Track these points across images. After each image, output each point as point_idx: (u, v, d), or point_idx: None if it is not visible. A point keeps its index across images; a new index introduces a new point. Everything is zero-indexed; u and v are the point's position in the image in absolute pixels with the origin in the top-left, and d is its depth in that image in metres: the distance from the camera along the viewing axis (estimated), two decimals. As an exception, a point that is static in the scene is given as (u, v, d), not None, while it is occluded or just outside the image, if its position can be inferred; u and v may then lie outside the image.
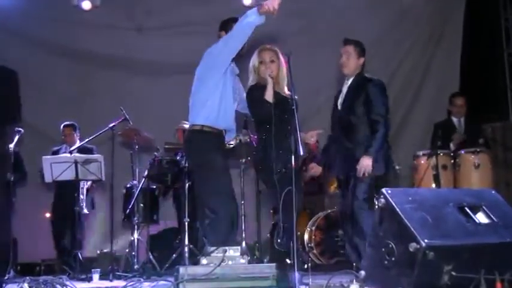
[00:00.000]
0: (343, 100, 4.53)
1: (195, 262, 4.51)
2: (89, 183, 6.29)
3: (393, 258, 2.92)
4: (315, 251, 5.99)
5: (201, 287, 3.30)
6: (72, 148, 6.22)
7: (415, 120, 7.66)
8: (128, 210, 5.87)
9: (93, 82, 7.67)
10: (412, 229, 2.84)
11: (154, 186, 6.27)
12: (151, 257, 5.75)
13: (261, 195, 5.98)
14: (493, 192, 3.46)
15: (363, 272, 3.09)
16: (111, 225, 5.80)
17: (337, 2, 7.56)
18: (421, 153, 5.80)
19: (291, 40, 6.71)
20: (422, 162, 5.72)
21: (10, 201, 6.10)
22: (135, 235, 5.73)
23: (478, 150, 5.72)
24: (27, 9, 7.30)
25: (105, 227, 5.99)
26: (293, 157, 3.73)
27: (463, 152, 5.70)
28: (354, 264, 4.30)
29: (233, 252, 3.55)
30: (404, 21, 7.75)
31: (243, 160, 5.73)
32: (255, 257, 5.84)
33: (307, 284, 3.55)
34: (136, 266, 5.55)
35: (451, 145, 5.85)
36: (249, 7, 7.25)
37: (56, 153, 6.46)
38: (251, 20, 3.94)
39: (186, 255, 5.39)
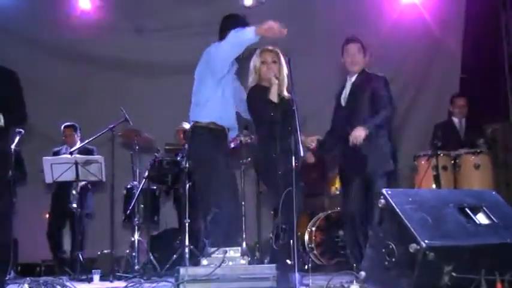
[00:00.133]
0: (348, 97, 4.52)
1: (195, 263, 4.51)
2: (83, 182, 6.26)
3: (393, 259, 2.92)
4: (315, 252, 5.99)
5: (201, 287, 3.30)
6: (72, 149, 6.23)
7: (416, 121, 7.65)
8: (128, 211, 5.88)
9: (94, 83, 7.68)
10: (412, 230, 2.84)
11: (155, 187, 6.27)
12: (151, 257, 5.76)
13: (261, 196, 5.99)
14: (494, 193, 3.46)
15: (363, 273, 3.09)
16: (111, 226, 5.80)
17: (337, 3, 7.56)
18: (421, 153, 5.80)
19: (290, 41, 6.69)
20: (422, 162, 5.72)
21: (11, 201, 6.11)
22: (136, 236, 5.73)
23: (478, 151, 5.73)
24: (29, 11, 7.31)
25: (105, 228, 5.98)
26: (293, 158, 3.73)
27: (463, 152, 5.70)
28: (354, 265, 4.30)
29: (233, 253, 3.55)
30: (404, 22, 7.74)
31: (244, 161, 5.74)
32: (256, 257, 5.84)
33: (307, 285, 3.55)
34: (136, 267, 5.56)
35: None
36: (249, 8, 7.33)
37: (56, 153, 6.48)
38: (247, 37, 3.96)
39: (187, 256, 5.38)
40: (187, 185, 5.59)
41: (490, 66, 7.61)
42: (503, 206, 3.32)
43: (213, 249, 3.57)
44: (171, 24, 7.66)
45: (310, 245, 6.04)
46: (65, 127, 6.62)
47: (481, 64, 7.53)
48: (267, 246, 6.07)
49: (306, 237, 6.08)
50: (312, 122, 5.88)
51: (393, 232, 2.97)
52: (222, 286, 3.31)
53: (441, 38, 7.77)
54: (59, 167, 5.72)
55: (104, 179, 5.85)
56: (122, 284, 4.59)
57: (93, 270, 5.31)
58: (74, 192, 6.07)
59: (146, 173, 5.96)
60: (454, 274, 2.83)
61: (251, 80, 4.44)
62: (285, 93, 4.35)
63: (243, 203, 5.56)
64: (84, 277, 5.33)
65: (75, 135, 6.59)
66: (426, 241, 2.77)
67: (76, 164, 5.70)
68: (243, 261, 3.53)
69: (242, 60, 4.41)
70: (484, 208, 3.18)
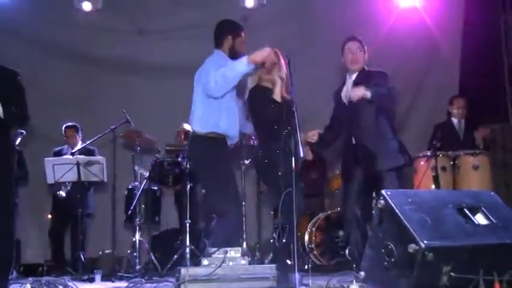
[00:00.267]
0: (349, 95, 4.52)
1: (196, 263, 4.52)
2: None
3: (393, 259, 2.92)
4: (315, 252, 5.99)
5: (202, 287, 3.31)
6: (74, 150, 6.24)
7: (415, 122, 7.65)
8: (129, 212, 5.88)
9: (95, 84, 7.68)
10: (412, 230, 2.84)
11: (156, 188, 6.28)
12: (152, 257, 5.76)
13: (261, 196, 6.00)
14: (492, 193, 3.47)
15: (362, 273, 3.10)
16: (112, 227, 5.82)
17: (337, 5, 7.56)
18: (420, 154, 5.80)
19: (289, 42, 6.70)
20: (421, 163, 5.71)
21: (13, 202, 6.11)
22: (137, 236, 5.74)
23: (477, 151, 5.73)
24: (31, 12, 7.31)
25: (107, 228, 5.99)
26: (293, 159, 3.74)
27: (462, 153, 5.70)
28: (354, 265, 4.30)
29: (234, 253, 3.56)
30: (404, 24, 7.75)
31: (244, 161, 5.74)
32: (256, 257, 5.85)
33: (307, 285, 3.56)
34: (138, 267, 5.56)
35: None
36: (251, 9, 7.34)
37: (57, 153, 6.47)
38: (241, 70, 3.97)
39: (188, 256, 5.40)
40: (188, 186, 5.60)
41: (489, 68, 7.61)
42: (501, 206, 3.32)
43: (213, 250, 3.57)
44: (172, 26, 7.66)
45: (310, 245, 6.04)
46: (66, 127, 6.61)
47: (480, 66, 7.53)
48: (267, 246, 6.09)
49: (306, 237, 6.08)
50: (311, 123, 5.86)
51: (392, 232, 2.97)
52: (223, 286, 3.32)
53: (440, 40, 7.78)
54: (60, 167, 5.73)
55: (105, 180, 5.85)
56: (124, 283, 4.60)
57: (95, 270, 5.32)
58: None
59: (147, 174, 5.96)
60: (452, 274, 2.83)
61: (251, 81, 4.44)
62: (285, 94, 4.35)
63: (243, 203, 5.57)
64: (86, 277, 5.34)
65: (77, 136, 6.59)
66: (425, 241, 2.77)
67: (78, 164, 5.70)
68: (243, 262, 3.54)
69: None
70: (483, 209, 3.18)
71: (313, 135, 4.50)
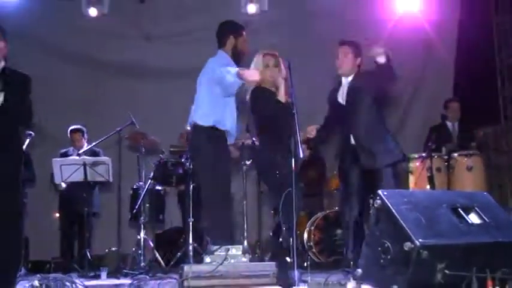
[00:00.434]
0: (346, 97, 4.51)
1: (199, 260, 4.52)
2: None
3: (389, 257, 2.92)
4: (314, 250, 5.99)
5: (205, 284, 3.31)
6: (81, 151, 6.25)
7: (411, 125, 7.65)
8: (134, 210, 5.89)
9: (102, 87, 7.69)
10: (407, 229, 2.85)
11: (160, 188, 6.28)
12: (157, 255, 5.77)
13: (262, 196, 6.00)
14: (485, 193, 3.47)
15: (359, 270, 3.10)
16: (118, 225, 5.82)
17: (333, 8, 7.54)
18: (416, 155, 5.80)
19: (288, 46, 6.70)
20: (417, 164, 5.72)
21: (22, 201, 6.12)
22: (142, 234, 5.74)
23: (471, 153, 5.73)
24: (40, 17, 7.32)
25: (112, 226, 6.00)
26: (293, 160, 3.74)
27: (456, 155, 5.70)
28: (351, 262, 4.31)
29: (235, 250, 3.57)
30: (399, 27, 7.73)
31: (246, 162, 5.74)
32: (256, 255, 5.85)
33: (306, 282, 3.56)
34: (142, 264, 5.56)
35: (443, 150, 5.85)
36: (252, 15, 7.34)
37: (63, 155, 6.46)
38: (232, 81, 3.98)
39: (191, 253, 5.39)
40: (191, 186, 5.60)
41: (483, 72, 7.61)
42: (494, 206, 3.33)
43: (215, 247, 3.57)
44: (177, 31, 7.67)
45: (309, 244, 6.04)
46: (72, 130, 6.60)
47: (474, 69, 7.53)
48: (268, 244, 6.10)
49: (305, 236, 6.08)
50: (305, 127, 5.88)
51: (389, 231, 2.97)
52: (225, 282, 3.33)
53: (435, 44, 7.77)
54: (68, 168, 5.73)
55: (111, 180, 5.85)
56: (128, 280, 4.60)
57: (100, 267, 5.32)
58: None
59: (152, 174, 5.97)
60: (446, 272, 2.83)
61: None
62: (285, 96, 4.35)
63: (244, 202, 5.58)
64: (92, 274, 5.34)
65: (82, 138, 6.59)
66: (420, 240, 2.78)
67: (84, 165, 5.71)
68: (244, 259, 3.55)
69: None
70: (476, 208, 3.18)
71: (312, 131, 4.52)
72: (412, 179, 5.72)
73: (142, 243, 5.68)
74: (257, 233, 6.23)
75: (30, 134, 5.59)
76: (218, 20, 4.56)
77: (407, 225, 2.87)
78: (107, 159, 5.87)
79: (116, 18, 7.54)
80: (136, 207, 5.84)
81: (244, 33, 4.40)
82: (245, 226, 5.61)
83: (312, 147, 5.72)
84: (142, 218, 5.80)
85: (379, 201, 3.07)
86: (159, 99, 7.56)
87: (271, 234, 6.09)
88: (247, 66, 4.40)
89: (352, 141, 4.45)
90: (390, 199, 3.03)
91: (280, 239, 4.20)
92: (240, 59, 4.37)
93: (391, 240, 2.93)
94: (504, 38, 7.72)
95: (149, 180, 5.91)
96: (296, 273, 3.53)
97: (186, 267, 3.39)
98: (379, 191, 3.11)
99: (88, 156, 6.00)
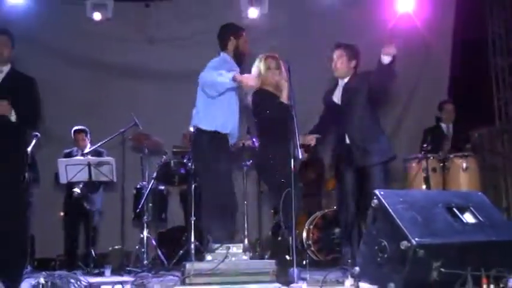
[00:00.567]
0: (343, 95, 4.53)
1: (200, 258, 4.51)
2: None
3: (386, 255, 2.92)
4: (312, 248, 5.99)
5: (206, 281, 3.31)
6: (85, 151, 6.25)
7: (407, 126, 7.64)
8: (138, 210, 5.88)
9: (106, 90, 7.68)
10: (404, 228, 2.85)
11: (163, 187, 6.28)
12: (159, 253, 5.77)
13: (262, 196, 6.00)
14: (480, 194, 3.47)
15: (357, 268, 3.10)
16: (122, 224, 5.82)
17: (332, 10, 7.53)
18: (412, 156, 5.80)
19: (288, 49, 6.70)
20: (413, 165, 5.72)
21: (28, 200, 6.12)
22: (145, 233, 5.74)
23: (466, 154, 5.73)
24: (46, 21, 7.31)
25: (116, 225, 6.00)
26: (292, 161, 3.74)
27: (452, 155, 5.70)
28: (349, 260, 4.31)
29: (236, 249, 3.56)
30: (396, 31, 7.72)
31: (246, 162, 5.74)
32: (257, 253, 5.85)
33: (305, 279, 3.55)
34: (145, 262, 5.56)
35: (441, 154, 5.84)
36: (253, 20, 7.33)
37: (67, 155, 6.45)
38: (226, 83, 3.99)
39: (192, 251, 5.39)
40: (193, 185, 5.60)
41: (477, 74, 7.61)
42: (489, 206, 3.33)
43: (216, 246, 3.57)
44: (179, 35, 7.67)
45: (307, 242, 6.03)
46: (75, 131, 6.60)
47: (469, 72, 7.52)
48: (268, 243, 6.09)
49: (304, 234, 6.07)
50: (305, 128, 5.87)
51: (386, 230, 2.97)
52: (225, 280, 3.32)
53: (431, 47, 7.76)
54: (72, 168, 5.73)
55: (115, 180, 5.85)
56: (132, 277, 4.59)
57: (105, 265, 5.32)
58: (76, 189, 6.05)
59: (155, 174, 5.97)
60: (442, 270, 2.83)
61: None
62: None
63: (245, 202, 5.57)
64: (96, 271, 5.33)
65: (86, 139, 6.59)
66: (416, 239, 2.78)
67: (89, 165, 5.71)
68: (244, 257, 3.54)
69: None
70: (471, 208, 3.18)
71: (311, 140, 4.52)
72: (408, 180, 5.72)
73: (145, 241, 5.68)
74: (257, 231, 6.23)
75: (37, 135, 5.58)
76: (220, 23, 4.56)
77: (403, 224, 2.87)
78: (111, 159, 5.87)
79: (119, 22, 7.54)
80: (140, 206, 5.83)
81: (244, 34, 4.41)
82: (245, 225, 5.61)
83: (310, 151, 5.73)
84: (145, 217, 5.79)
85: (376, 201, 3.07)
86: (162, 101, 7.56)
87: (270, 233, 6.14)
88: (249, 67, 4.41)
89: (347, 140, 4.46)
90: (387, 199, 3.03)
91: (279, 238, 4.20)
92: (242, 59, 4.38)
93: (388, 239, 2.93)
94: (499, 39, 7.72)
95: (152, 180, 5.91)
96: (295, 271, 3.53)
97: (188, 265, 3.39)
98: (376, 191, 3.11)
99: (92, 156, 5.99)
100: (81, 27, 7.48)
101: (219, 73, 4.01)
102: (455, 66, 7.69)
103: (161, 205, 6.17)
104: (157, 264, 5.62)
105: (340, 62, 4.52)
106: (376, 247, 2.98)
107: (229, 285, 3.27)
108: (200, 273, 3.32)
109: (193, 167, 5.54)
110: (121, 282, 3.54)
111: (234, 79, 3.93)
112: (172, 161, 6.06)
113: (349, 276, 3.14)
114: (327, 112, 4.72)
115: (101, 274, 5.21)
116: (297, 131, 3.71)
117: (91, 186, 5.99)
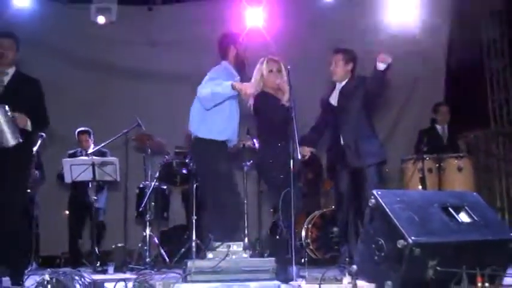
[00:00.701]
0: (339, 97, 4.54)
1: (201, 256, 4.51)
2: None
3: (383, 254, 2.92)
4: (311, 247, 5.98)
5: (207, 278, 3.30)
6: (90, 151, 6.25)
7: (403, 128, 7.63)
8: (140, 208, 5.88)
9: (110, 91, 7.69)
10: (400, 227, 2.85)
11: (165, 187, 6.28)
12: (161, 251, 5.76)
13: (262, 195, 6.00)
14: (475, 194, 3.48)
15: (354, 266, 3.09)
16: (124, 222, 5.81)
17: (336, 16, 7.52)
18: (408, 157, 5.80)
19: (288, 52, 6.68)
20: (409, 166, 5.72)
21: (34, 199, 6.12)
22: (147, 231, 5.74)
23: (461, 155, 5.74)
24: (51, 24, 7.31)
25: (119, 224, 5.99)
26: (292, 161, 3.74)
27: (447, 156, 5.70)
28: (347, 259, 4.30)
29: (236, 247, 3.56)
30: (393, 34, 7.71)
31: (246, 163, 5.74)
32: (257, 251, 5.84)
33: (303, 277, 3.55)
34: (148, 259, 5.55)
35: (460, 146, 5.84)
36: (252, 27, 7.32)
37: (72, 155, 6.45)
38: (225, 92, 3.96)
39: (194, 249, 5.39)
40: (195, 185, 5.60)
41: (473, 76, 7.60)
42: (483, 206, 3.33)
43: (217, 244, 3.57)
44: (182, 38, 7.66)
45: (306, 241, 6.03)
46: (80, 132, 6.59)
47: (464, 74, 7.51)
48: (267, 241, 6.09)
49: (303, 233, 6.07)
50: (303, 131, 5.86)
51: (383, 229, 2.97)
52: (226, 277, 3.31)
53: (427, 49, 7.75)
54: (77, 167, 5.73)
55: (118, 179, 5.85)
56: (134, 275, 4.59)
57: (108, 262, 5.32)
58: (93, 197, 6.03)
59: (157, 174, 5.97)
60: (438, 268, 2.83)
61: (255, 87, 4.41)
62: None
63: (245, 201, 5.57)
64: (100, 268, 5.33)
65: (89, 140, 6.59)
66: (413, 238, 2.78)
67: (93, 165, 5.70)
68: (245, 255, 3.54)
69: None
70: (466, 208, 3.18)
71: (307, 152, 4.53)
72: (404, 180, 5.72)
73: (147, 239, 5.68)
74: (257, 230, 6.23)
75: (42, 136, 5.58)
76: (220, 28, 4.56)
77: (400, 223, 2.87)
78: (114, 159, 5.86)
79: (123, 25, 7.53)
80: (142, 205, 5.83)
81: (243, 40, 4.39)
82: (246, 224, 5.61)
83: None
84: (147, 215, 5.79)
85: (373, 201, 3.07)
86: (165, 102, 7.56)
87: (268, 232, 6.14)
88: (251, 71, 4.40)
89: (342, 141, 4.47)
90: (384, 198, 3.03)
91: (277, 237, 4.19)
92: (243, 66, 4.36)
93: (385, 238, 2.93)
94: (494, 42, 7.71)
95: (155, 180, 5.91)
96: (294, 269, 3.53)
97: (189, 263, 3.38)
98: (374, 191, 3.11)
99: (96, 156, 5.99)
100: (85, 31, 7.49)
101: (217, 83, 3.98)
102: (451, 68, 7.68)
103: (163, 204, 6.16)
104: (159, 261, 5.61)
105: (337, 67, 4.55)
106: (374, 246, 2.98)
107: (229, 283, 3.26)
108: (201, 271, 3.31)
109: (194, 167, 5.54)
110: (124, 280, 3.53)
111: (233, 87, 3.91)
112: (174, 161, 6.06)
113: (347, 274, 3.13)
114: (323, 113, 4.73)
115: (104, 271, 5.21)
116: (296, 133, 3.71)
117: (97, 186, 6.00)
